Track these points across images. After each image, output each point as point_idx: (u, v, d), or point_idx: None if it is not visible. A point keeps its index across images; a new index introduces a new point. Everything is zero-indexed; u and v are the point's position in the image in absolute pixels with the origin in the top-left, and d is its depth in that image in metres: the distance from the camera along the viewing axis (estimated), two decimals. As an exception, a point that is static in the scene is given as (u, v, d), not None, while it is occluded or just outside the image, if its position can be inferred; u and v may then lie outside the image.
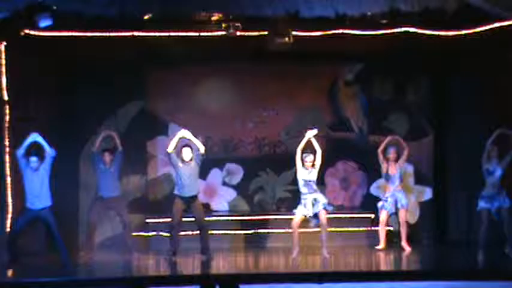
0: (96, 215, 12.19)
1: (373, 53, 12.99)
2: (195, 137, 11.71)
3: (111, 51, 12.43)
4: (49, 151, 11.03)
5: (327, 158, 12.02)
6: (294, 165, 11.73)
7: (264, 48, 12.17)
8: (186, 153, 11.60)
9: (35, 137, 11.01)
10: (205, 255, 11.51)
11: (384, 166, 12.36)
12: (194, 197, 11.61)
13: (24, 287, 9.63)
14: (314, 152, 11.59)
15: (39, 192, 10.97)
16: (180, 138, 11.64)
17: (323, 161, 11.70)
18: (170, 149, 11.59)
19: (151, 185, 13.75)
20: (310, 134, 11.64)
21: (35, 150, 11.07)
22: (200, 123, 13.74)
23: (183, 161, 11.63)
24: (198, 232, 11.68)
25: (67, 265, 10.86)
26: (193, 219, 11.71)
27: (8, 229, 11.39)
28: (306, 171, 11.60)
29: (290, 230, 11.83)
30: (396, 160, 12.39)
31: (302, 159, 11.60)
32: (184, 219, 11.75)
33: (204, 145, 11.72)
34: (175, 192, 11.69)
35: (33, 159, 11.00)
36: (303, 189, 11.63)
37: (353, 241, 13.04)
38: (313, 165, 11.62)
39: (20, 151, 10.95)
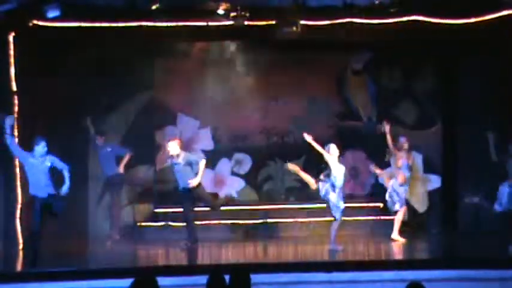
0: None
1: (382, 42, 12.94)
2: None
3: (119, 41, 12.43)
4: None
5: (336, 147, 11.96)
6: (303, 154, 11.65)
7: (272, 38, 12.15)
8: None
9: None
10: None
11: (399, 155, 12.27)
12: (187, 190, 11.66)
13: (33, 276, 9.65)
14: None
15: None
16: None
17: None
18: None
19: (159, 175, 13.74)
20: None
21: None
22: (208, 113, 13.77)
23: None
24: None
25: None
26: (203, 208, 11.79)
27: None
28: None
29: (299, 220, 11.82)
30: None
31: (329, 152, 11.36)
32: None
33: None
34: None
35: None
36: (340, 181, 11.38)
37: (362, 230, 13.04)
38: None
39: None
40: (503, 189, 11.21)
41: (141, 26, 11.85)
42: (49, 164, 10.57)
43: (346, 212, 11.57)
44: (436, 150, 13.75)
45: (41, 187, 10.39)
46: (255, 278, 6.48)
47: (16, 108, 11.65)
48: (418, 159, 13.57)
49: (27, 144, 11.40)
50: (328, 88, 14.03)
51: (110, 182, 12.85)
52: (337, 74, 14.08)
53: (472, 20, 11.87)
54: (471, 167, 13.04)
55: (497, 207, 11.20)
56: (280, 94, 13.95)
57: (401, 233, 12.21)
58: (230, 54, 13.48)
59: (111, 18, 11.66)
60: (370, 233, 13.03)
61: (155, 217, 13.27)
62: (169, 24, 12.00)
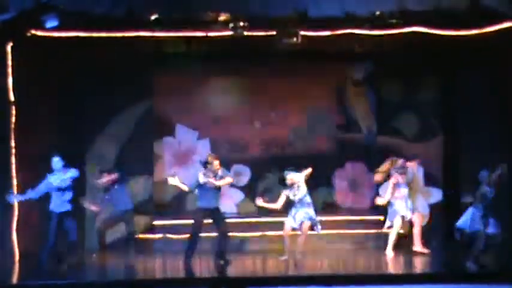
0: None
1: (382, 53, 12.92)
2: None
3: (117, 52, 12.39)
4: None
5: (335, 159, 11.92)
6: (302, 166, 11.62)
7: (272, 48, 12.11)
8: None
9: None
10: None
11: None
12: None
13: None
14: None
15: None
16: None
17: (331, 162, 11.61)
18: None
19: (158, 186, 13.65)
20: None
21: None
22: (207, 124, 13.72)
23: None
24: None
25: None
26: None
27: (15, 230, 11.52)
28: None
29: (299, 233, 11.76)
30: None
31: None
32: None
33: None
34: None
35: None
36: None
37: (362, 243, 12.93)
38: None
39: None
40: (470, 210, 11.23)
41: (139, 36, 11.82)
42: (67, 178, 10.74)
43: (346, 225, 11.54)
44: (437, 163, 13.67)
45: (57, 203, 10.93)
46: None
47: (13, 119, 11.59)
48: (419, 172, 13.50)
49: (24, 155, 11.40)
50: (329, 99, 14.02)
51: None
52: (337, 84, 14.06)
53: (473, 31, 11.86)
54: (473, 179, 12.93)
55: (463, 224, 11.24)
56: (279, 105, 13.92)
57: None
58: (229, 65, 13.42)
59: (110, 28, 11.62)
60: (370, 246, 12.92)
61: (153, 229, 13.16)
62: (168, 34, 11.97)
